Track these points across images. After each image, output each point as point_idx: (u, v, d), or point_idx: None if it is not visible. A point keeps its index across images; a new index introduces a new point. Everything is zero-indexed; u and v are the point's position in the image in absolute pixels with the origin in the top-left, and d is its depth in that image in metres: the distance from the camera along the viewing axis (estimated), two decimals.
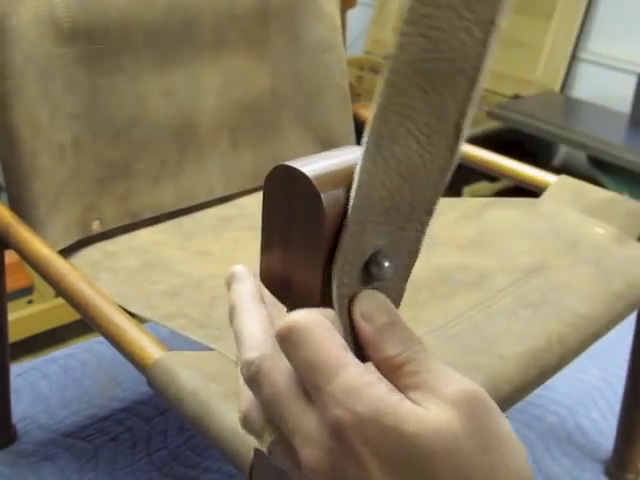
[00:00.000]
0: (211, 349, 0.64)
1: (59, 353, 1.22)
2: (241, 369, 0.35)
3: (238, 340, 0.35)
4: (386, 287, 0.35)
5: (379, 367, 0.34)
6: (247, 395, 0.35)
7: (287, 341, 0.33)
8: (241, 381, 0.36)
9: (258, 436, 0.35)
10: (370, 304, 0.35)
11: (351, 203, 0.33)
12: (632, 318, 0.85)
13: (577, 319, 0.69)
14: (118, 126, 0.86)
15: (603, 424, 1.12)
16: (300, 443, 0.32)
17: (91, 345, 1.23)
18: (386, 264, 0.34)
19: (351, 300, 0.35)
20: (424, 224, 0.35)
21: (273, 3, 0.97)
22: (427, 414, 0.31)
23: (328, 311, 0.34)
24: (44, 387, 1.13)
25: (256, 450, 0.43)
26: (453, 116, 0.33)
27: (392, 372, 0.33)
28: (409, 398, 0.32)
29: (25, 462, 1.00)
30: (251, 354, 0.34)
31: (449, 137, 0.34)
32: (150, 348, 0.62)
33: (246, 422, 0.35)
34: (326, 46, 1.01)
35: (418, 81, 0.31)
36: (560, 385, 1.18)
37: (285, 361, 0.33)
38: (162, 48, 0.88)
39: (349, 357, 0.33)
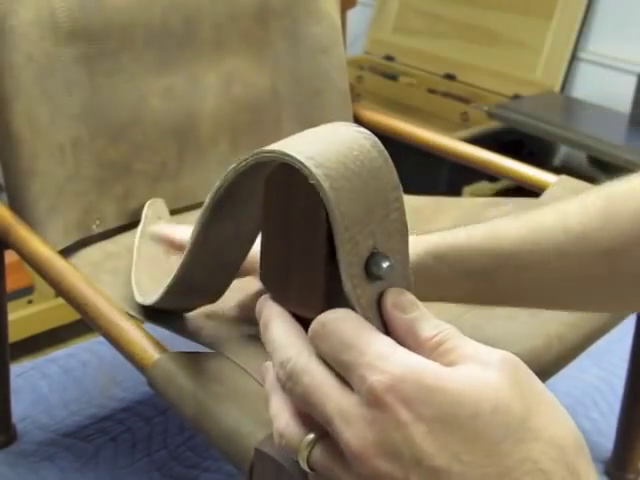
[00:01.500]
0: (211, 350, 0.64)
1: (59, 353, 1.22)
2: (277, 374, 0.35)
3: (271, 349, 0.36)
4: (393, 284, 0.36)
5: (417, 351, 0.34)
6: (282, 415, 0.35)
7: (319, 334, 0.33)
8: (274, 404, 0.36)
9: (296, 451, 0.34)
10: (402, 298, 0.35)
11: (334, 227, 0.33)
12: (632, 318, 0.85)
13: (576, 318, 0.69)
14: (118, 126, 0.86)
15: (603, 424, 1.12)
16: (341, 426, 0.32)
17: (91, 345, 1.23)
18: (384, 265, 0.34)
19: (379, 298, 0.35)
20: (399, 198, 0.35)
21: (273, 3, 0.97)
22: (469, 373, 0.31)
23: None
24: (44, 387, 1.13)
25: (256, 450, 0.43)
26: None
27: (430, 352, 0.33)
28: None
29: (25, 462, 1.00)
30: (285, 355, 0.34)
31: None
32: (150, 348, 0.62)
33: (283, 438, 0.35)
34: (326, 46, 1.01)
35: None
36: (560, 385, 1.18)
37: (319, 357, 0.34)
38: (162, 48, 0.88)
39: (380, 334, 0.33)
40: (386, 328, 0.35)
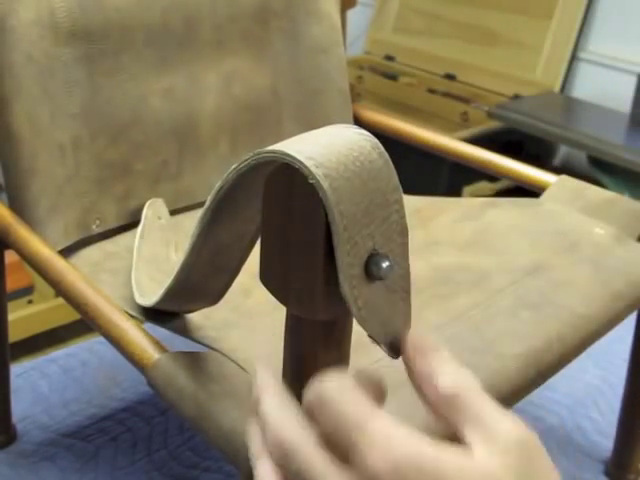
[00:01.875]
0: (211, 350, 0.64)
1: (59, 353, 1.22)
2: (270, 451, 0.34)
3: (264, 425, 0.35)
4: (391, 286, 0.36)
5: (433, 398, 0.34)
6: None
7: (315, 407, 0.33)
8: (261, 470, 0.35)
9: None
10: (424, 342, 0.35)
11: (333, 227, 0.33)
12: (632, 318, 0.85)
13: (576, 319, 0.69)
14: (118, 126, 0.86)
15: (603, 424, 1.12)
16: None
17: (91, 345, 1.23)
18: (384, 265, 0.34)
19: (378, 300, 0.35)
20: (399, 200, 0.35)
21: (273, 3, 0.97)
22: (472, 461, 0.31)
23: (351, 377, 0.34)
24: (44, 387, 1.13)
25: None
26: None
27: (446, 402, 0.33)
28: (462, 433, 0.32)
29: (25, 462, 1.00)
30: (279, 433, 0.34)
31: None
32: (150, 348, 0.62)
33: None
34: (326, 46, 1.01)
35: None
36: (560, 385, 1.18)
37: (314, 434, 0.33)
38: (162, 48, 0.88)
39: (378, 410, 0.33)
40: (385, 331, 0.35)
